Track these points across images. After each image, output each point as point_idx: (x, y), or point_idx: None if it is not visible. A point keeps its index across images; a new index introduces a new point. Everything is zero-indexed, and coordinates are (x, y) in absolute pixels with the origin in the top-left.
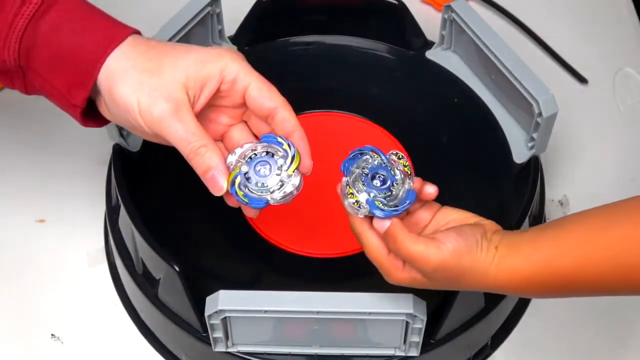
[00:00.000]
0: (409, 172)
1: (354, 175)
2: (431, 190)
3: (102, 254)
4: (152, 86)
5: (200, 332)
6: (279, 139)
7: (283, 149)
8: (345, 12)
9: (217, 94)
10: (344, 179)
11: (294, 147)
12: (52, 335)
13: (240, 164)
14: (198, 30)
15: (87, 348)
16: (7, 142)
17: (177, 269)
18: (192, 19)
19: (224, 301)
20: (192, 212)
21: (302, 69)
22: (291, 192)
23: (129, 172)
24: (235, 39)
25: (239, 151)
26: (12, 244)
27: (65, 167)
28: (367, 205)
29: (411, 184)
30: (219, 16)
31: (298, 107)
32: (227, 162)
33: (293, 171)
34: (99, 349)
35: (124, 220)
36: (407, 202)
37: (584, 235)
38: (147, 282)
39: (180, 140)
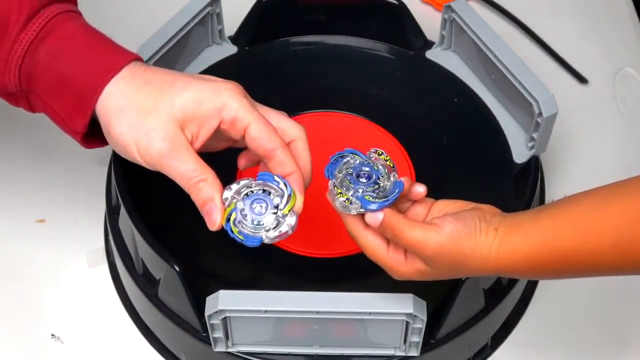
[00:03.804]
0: (392, 165)
1: (339, 177)
2: (420, 189)
3: (102, 254)
4: (149, 127)
5: (200, 332)
6: (276, 178)
7: (279, 187)
8: (345, 12)
9: (218, 130)
10: (330, 182)
11: (290, 186)
12: (52, 335)
13: (235, 200)
14: (198, 30)
15: (87, 348)
16: (8, 142)
17: (177, 269)
18: (192, 19)
19: (224, 301)
20: (192, 212)
21: (302, 69)
22: (286, 232)
23: (129, 172)
24: (235, 39)
25: (234, 187)
26: (12, 244)
27: (65, 167)
28: (358, 201)
29: (396, 175)
30: (219, 16)
31: (298, 107)
32: (223, 197)
33: (289, 210)
34: (99, 349)
35: (124, 220)
36: (397, 191)
37: (583, 211)
38: (147, 282)
39: (180, 178)
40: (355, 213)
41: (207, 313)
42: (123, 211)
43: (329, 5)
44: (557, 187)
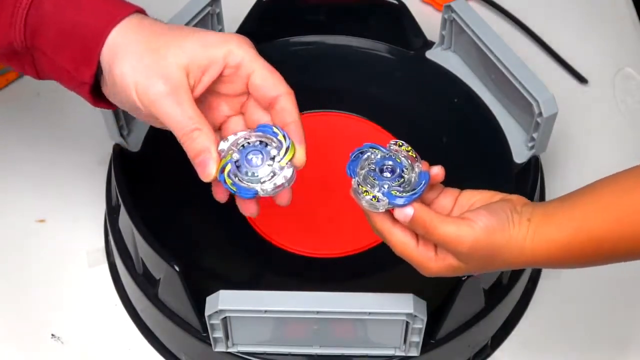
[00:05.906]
0: (415, 155)
1: (362, 174)
2: (436, 170)
3: (102, 254)
4: (151, 66)
5: (200, 332)
6: (275, 129)
7: (278, 139)
8: (345, 12)
9: (219, 79)
10: (354, 180)
11: (289, 138)
12: (52, 335)
13: (232, 151)
14: None
15: (87, 348)
16: (7, 141)
17: (177, 269)
18: (192, 19)
19: (224, 301)
20: (192, 212)
21: (302, 69)
22: (282, 184)
23: (129, 172)
24: None
25: (231, 139)
26: (12, 244)
27: (65, 167)
28: (385, 198)
29: (420, 166)
30: (219, 16)
31: (298, 107)
32: (219, 148)
33: (286, 163)
34: (99, 349)
35: (124, 220)
36: (423, 182)
37: (616, 196)
38: (147, 282)
39: (175, 123)
40: (383, 210)
41: (207, 313)
42: (123, 211)
43: (329, 5)
44: (557, 187)
